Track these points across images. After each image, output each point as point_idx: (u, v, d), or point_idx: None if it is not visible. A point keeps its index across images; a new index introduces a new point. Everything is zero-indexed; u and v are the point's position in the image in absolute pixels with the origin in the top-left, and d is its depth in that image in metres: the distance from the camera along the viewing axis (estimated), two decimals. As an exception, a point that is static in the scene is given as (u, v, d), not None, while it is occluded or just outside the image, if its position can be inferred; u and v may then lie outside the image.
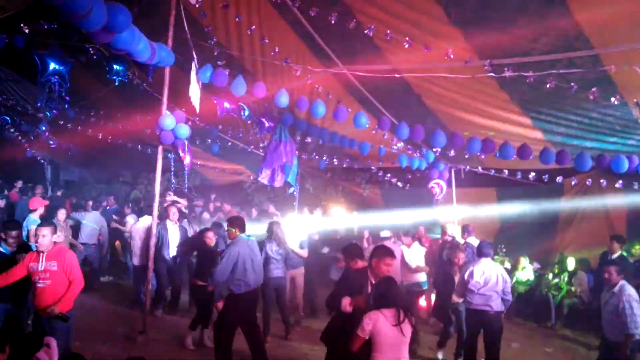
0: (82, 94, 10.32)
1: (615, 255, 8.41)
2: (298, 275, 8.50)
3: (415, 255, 8.33)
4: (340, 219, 13.60)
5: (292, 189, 12.78)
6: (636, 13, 4.45)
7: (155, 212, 7.42)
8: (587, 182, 9.54)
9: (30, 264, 5.26)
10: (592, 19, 4.60)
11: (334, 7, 5.55)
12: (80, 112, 11.01)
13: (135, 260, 8.71)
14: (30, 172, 15.26)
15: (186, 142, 7.98)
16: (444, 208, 11.47)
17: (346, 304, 4.62)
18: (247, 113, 8.49)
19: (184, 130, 7.30)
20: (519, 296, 10.20)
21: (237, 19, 6.46)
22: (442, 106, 7.47)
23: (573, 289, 9.77)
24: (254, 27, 6.50)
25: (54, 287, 5.21)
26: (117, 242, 12.16)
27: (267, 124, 9.69)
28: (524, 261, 10.48)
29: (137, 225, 8.88)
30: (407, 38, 5.50)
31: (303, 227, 10.49)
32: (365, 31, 5.60)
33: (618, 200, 9.72)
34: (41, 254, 5.25)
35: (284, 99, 7.24)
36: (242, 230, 6.33)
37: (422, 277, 8.62)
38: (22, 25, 6.75)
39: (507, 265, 10.53)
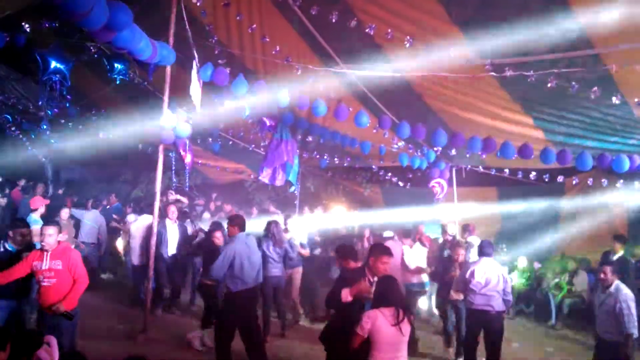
0: (83, 93, 10.32)
1: (617, 256, 8.40)
2: (296, 274, 8.51)
3: (416, 255, 8.33)
4: (341, 218, 13.63)
5: (293, 188, 12.84)
6: (637, 13, 4.44)
7: (157, 211, 7.42)
8: (588, 182, 9.52)
9: (33, 262, 5.28)
10: (593, 18, 4.59)
11: (334, 5, 5.55)
12: (82, 111, 11.02)
13: (135, 260, 8.69)
14: (31, 170, 15.26)
15: (187, 141, 7.99)
16: (444, 207, 11.47)
17: (346, 293, 4.62)
18: (247, 112, 8.49)
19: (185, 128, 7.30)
20: (520, 295, 10.21)
21: (238, 18, 6.46)
22: (443, 105, 7.46)
23: (574, 288, 9.77)
24: (254, 25, 6.50)
25: (59, 286, 5.26)
26: (117, 242, 12.15)
27: (268, 123, 9.71)
28: (523, 260, 10.50)
29: (136, 224, 8.86)
30: (408, 37, 5.50)
31: (304, 226, 10.52)
32: (366, 30, 5.60)
33: (619, 200, 9.70)
34: (45, 253, 5.28)
35: (284, 98, 7.25)
36: (242, 228, 6.33)
37: (423, 277, 8.59)
38: (23, 23, 6.76)
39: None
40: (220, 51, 7.11)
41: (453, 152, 8.97)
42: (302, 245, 8.63)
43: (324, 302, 5.17)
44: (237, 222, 6.37)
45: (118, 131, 11.39)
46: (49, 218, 7.72)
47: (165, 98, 7.21)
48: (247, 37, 7.00)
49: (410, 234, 8.65)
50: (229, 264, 6.02)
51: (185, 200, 11.67)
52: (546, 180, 9.62)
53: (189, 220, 9.92)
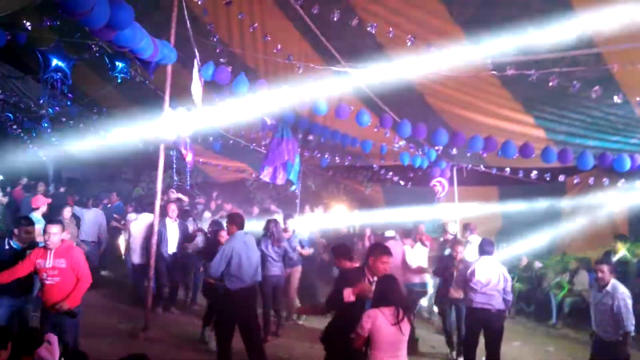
0: (84, 91, 10.33)
1: (618, 256, 8.39)
2: (295, 273, 8.52)
3: (417, 255, 8.33)
4: (342, 217, 13.63)
5: (293, 187, 12.83)
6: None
7: (157, 209, 7.42)
8: (590, 181, 9.52)
9: (37, 260, 5.29)
10: (595, 17, 4.58)
11: (336, 4, 5.54)
12: (83, 109, 11.03)
13: (135, 259, 8.67)
14: (32, 169, 15.27)
15: (188, 140, 7.99)
16: (445, 206, 11.46)
17: (349, 293, 4.63)
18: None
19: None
20: (521, 295, 10.21)
21: (239, 17, 6.46)
22: (444, 104, 7.46)
23: (574, 287, 9.77)
24: (256, 24, 6.49)
25: (63, 284, 5.27)
26: (120, 240, 12.15)
27: (269, 122, 9.70)
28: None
29: (136, 223, 8.86)
30: (409, 36, 5.50)
31: (305, 225, 10.53)
32: (368, 29, 5.59)
33: (620, 199, 9.70)
34: (49, 251, 5.29)
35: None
36: (240, 227, 6.35)
37: (425, 277, 8.58)
38: (24, 22, 6.76)
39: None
40: (221, 50, 7.11)
41: (454, 151, 8.97)
42: (302, 245, 8.63)
43: (325, 302, 5.18)
44: (236, 221, 6.39)
45: (119, 130, 11.40)
46: (51, 217, 7.72)
47: (167, 97, 7.21)
48: (248, 36, 6.99)
49: (411, 233, 8.65)
50: (226, 262, 6.04)
51: (185, 198, 11.66)
52: (547, 179, 9.62)
53: (191, 219, 9.92)
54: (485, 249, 6.57)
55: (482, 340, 6.46)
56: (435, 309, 8.47)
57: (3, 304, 5.52)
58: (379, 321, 4.16)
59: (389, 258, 4.83)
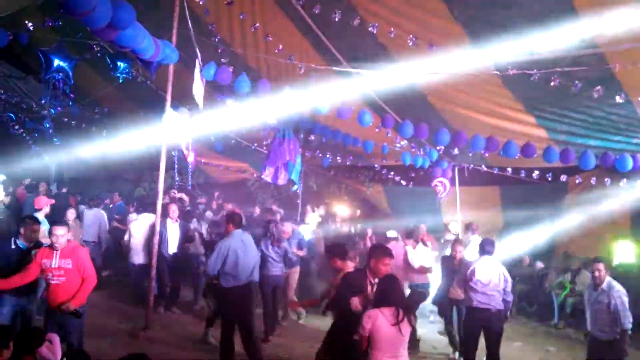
0: (86, 91, 10.33)
1: (620, 256, 8.37)
2: (293, 274, 8.54)
3: (419, 255, 8.32)
4: (343, 216, 13.62)
5: (295, 187, 12.83)
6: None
7: (159, 210, 7.43)
8: (592, 181, 9.50)
9: (42, 260, 5.31)
10: (597, 17, 4.58)
11: (337, 4, 5.55)
12: (84, 109, 11.04)
13: (136, 259, 8.67)
14: (34, 169, 15.28)
15: (190, 140, 7.99)
16: (447, 206, 11.45)
17: (356, 303, 4.63)
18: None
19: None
20: (522, 295, 10.20)
21: (241, 17, 6.47)
22: (446, 104, 7.45)
23: (576, 287, 9.75)
24: (257, 24, 6.50)
25: (68, 285, 5.29)
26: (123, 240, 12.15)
27: (270, 122, 9.71)
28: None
29: (136, 223, 8.86)
30: (410, 36, 5.50)
31: (306, 225, 10.52)
32: (369, 28, 5.59)
33: (622, 199, 9.67)
34: (55, 251, 5.31)
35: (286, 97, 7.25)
36: (238, 225, 6.39)
37: (428, 277, 8.55)
38: (26, 22, 6.77)
39: None
40: (223, 50, 7.12)
41: (456, 151, 8.97)
42: (299, 246, 8.62)
43: (328, 306, 5.18)
44: (234, 219, 6.43)
45: (121, 130, 11.41)
46: (54, 217, 7.73)
47: (168, 97, 7.22)
48: (250, 36, 7.00)
49: (412, 234, 8.64)
50: (222, 260, 6.08)
51: (186, 198, 11.67)
52: (549, 179, 9.61)
53: (195, 219, 9.92)
54: (486, 248, 6.56)
55: (482, 341, 6.46)
56: (435, 308, 8.46)
57: (7, 302, 5.53)
58: (379, 321, 4.17)
59: (390, 260, 4.83)
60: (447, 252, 8.03)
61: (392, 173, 13.18)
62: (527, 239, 11.07)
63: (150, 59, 5.88)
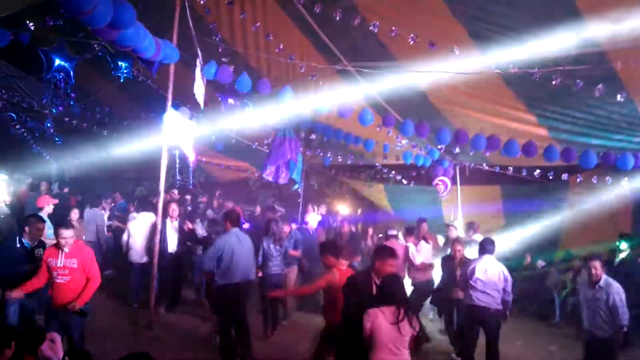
0: (87, 91, 10.33)
1: (622, 255, 8.35)
2: (291, 273, 8.57)
3: (421, 253, 8.31)
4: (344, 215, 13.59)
5: (296, 186, 12.82)
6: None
7: (160, 209, 7.43)
8: (593, 180, 9.49)
9: (47, 259, 5.34)
10: (599, 17, 4.57)
11: (338, 3, 5.55)
12: (85, 109, 11.04)
13: (135, 258, 8.67)
14: (36, 168, 15.28)
15: (191, 140, 7.97)
16: (448, 205, 11.44)
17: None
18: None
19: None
20: (523, 294, 10.18)
21: (241, 16, 6.47)
22: (447, 103, 7.45)
23: (578, 286, 9.72)
24: (258, 24, 6.50)
25: (73, 284, 5.33)
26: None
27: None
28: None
29: (135, 222, 8.85)
30: (411, 35, 5.49)
31: (314, 214, 10.53)
32: (370, 28, 5.59)
33: (624, 198, 9.66)
34: (60, 251, 5.33)
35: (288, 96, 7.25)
36: (235, 223, 6.42)
37: (431, 275, 8.53)
38: (27, 22, 6.77)
39: None
40: (223, 49, 7.12)
41: (457, 150, 8.96)
42: (295, 246, 8.61)
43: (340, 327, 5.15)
44: (231, 217, 6.49)
45: (122, 129, 11.41)
46: (55, 216, 7.73)
47: (169, 96, 7.22)
48: (250, 35, 7.00)
49: (414, 232, 8.63)
50: (217, 257, 6.15)
51: (186, 198, 11.69)
52: (550, 178, 9.60)
53: (198, 220, 9.93)
54: (486, 247, 6.56)
55: (482, 340, 6.46)
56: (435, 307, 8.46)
57: (12, 301, 5.56)
58: (379, 320, 4.18)
59: (395, 261, 4.83)
60: (449, 251, 8.02)
61: (393, 172, 13.16)
62: (528, 238, 11.07)
63: (151, 59, 5.89)
